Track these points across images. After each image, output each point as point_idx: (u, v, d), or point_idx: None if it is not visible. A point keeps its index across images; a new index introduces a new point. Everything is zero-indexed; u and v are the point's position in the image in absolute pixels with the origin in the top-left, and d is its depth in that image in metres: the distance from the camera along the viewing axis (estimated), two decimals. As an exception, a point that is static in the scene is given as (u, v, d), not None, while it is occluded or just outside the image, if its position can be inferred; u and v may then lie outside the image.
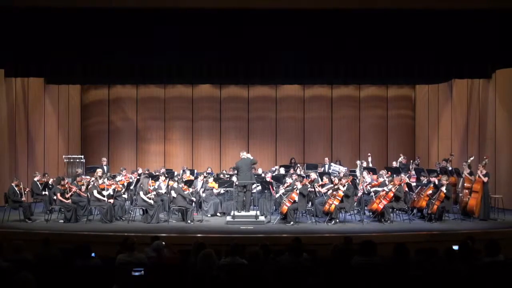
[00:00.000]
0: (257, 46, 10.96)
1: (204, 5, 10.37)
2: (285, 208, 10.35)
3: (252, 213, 10.61)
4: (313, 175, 11.79)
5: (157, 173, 12.64)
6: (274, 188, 11.29)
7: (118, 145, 16.88)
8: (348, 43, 10.99)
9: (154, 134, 16.99)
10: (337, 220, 10.40)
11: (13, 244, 5.79)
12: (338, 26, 10.74)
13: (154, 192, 10.73)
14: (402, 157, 14.34)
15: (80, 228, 9.96)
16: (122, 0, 10.46)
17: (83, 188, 11.25)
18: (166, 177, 11.87)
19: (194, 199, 11.03)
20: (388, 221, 10.35)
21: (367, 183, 11.53)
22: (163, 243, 6.50)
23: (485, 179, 10.55)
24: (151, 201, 10.48)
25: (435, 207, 10.34)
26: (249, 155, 11.08)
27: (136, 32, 10.74)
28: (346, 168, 13.76)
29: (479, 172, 10.66)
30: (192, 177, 12.44)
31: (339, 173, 12.69)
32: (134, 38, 10.80)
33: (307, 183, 10.97)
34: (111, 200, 10.68)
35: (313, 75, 12.44)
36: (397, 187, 10.36)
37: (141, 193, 10.55)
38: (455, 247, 5.53)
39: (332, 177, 11.72)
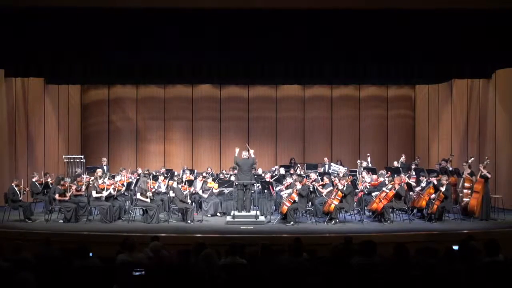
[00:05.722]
0: (257, 46, 10.95)
1: (204, 5, 10.37)
2: (285, 208, 10.35)
3: (252, 213, 10.61)
4: (313, 175, 11.79)
5: (157, 173, 12.64)
6: (274, 188, 11.29)
7: (118, 145, 16.88)
8: (348, 43, 10.98)
9: (154, 134, 17.00)
10: (337, 220, 10.40)
11: (13, 244, 5.79)
12: (338, 26, 10.73)
13: (153, 190, 10.72)
14: (403, 156, 14.38)
15: (80, 228, 9.96)
16: (123, 0, 10.46)
17: (83, 188, 11.25)
18: (165, 177, 11.88)
19: (189, 202, 10.94)
20: (388, 221, 10.35)
21: (367, 182, 11.53)
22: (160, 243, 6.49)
23: (489, 175, 10.58)
24: (148, 200, 10.48)
25: (435, 207, 10.35)
26: (251, 152, 10.98)
27: (136, 32, 10.73)
28: (346, 168, 13.77)
29: (480, 172, 10.66)
30: (192, 177, 12.44)
31: (338, 173, 12.68)
32: (134, 38, 10.78)
33: (307, 183, 10.98)
34: (114, 194, 10.69)
35: (313, 75, 12.44)
36: (398, 187, 10.36)
37: (138, 194, 10.56)
38: (455, 247, 5.53)
39: (332, 177, 11.72)
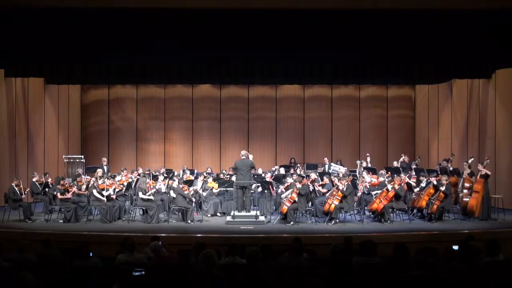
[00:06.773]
0: (257, 46, 10.95)
1: (204, 5, 10.36)
2: (285, 208, 10.35)
3: (252, 213, 10.60)
4: (313, 175, 11.78)
5: (156, 173, 12.65)
6: (274, 188, 11.28)
7: (118, 145, 16.89)
8: (348, 43, 10.98)
9: (154, 134, 17.00)
10: (337, 220, 10.40)
11: (16, 245, 5.81)
12: (338, 26, 10.73)
13: (153, 190, 10.73)
14: (404, 156, 14.36)
15: (80, 228, 9.96)
16: (122, 0, 10.45)
17: (83, 188, 11.26)
18: (165, 177, 11.88)
19: (194, 199, 11.01)
20: (388, 221, 10.35)
21: (367, 182, 11.53)
22: (160, 243, 6.50)
23: (489, 173, 10.58)
24: (152, 197, 10.49)
25: (435, 207, 10.35)
26: (250, 156, 11.06)
27: (136, 32, 10.72)
28: (346, 168, 13.77)
29: (480, 172, 10.66)
30: (192, 177, 12.44)
31: (338, 173, 12.68)
32: (134, 38, 10.78)
33: (308, 183, 10.97)
34: (113, 197, 10.69)
35: (313, 75, 12.44)
36: (398, 187, 10.35)
37: (140, 193, 10.57)
38: (455, 247, 5.53)
39: (332, 177, 11.72)
